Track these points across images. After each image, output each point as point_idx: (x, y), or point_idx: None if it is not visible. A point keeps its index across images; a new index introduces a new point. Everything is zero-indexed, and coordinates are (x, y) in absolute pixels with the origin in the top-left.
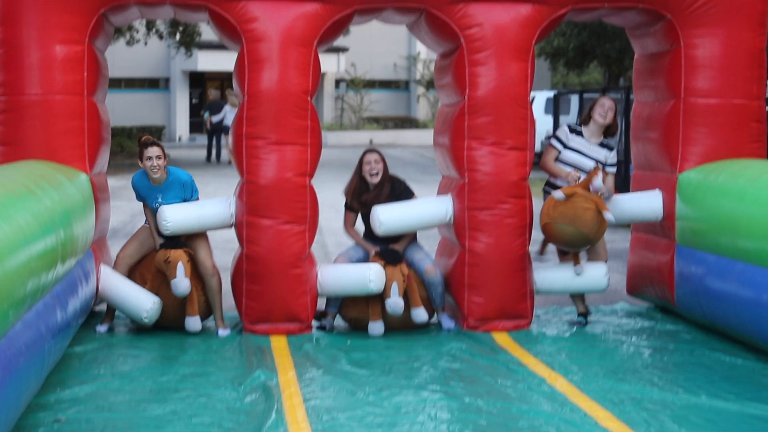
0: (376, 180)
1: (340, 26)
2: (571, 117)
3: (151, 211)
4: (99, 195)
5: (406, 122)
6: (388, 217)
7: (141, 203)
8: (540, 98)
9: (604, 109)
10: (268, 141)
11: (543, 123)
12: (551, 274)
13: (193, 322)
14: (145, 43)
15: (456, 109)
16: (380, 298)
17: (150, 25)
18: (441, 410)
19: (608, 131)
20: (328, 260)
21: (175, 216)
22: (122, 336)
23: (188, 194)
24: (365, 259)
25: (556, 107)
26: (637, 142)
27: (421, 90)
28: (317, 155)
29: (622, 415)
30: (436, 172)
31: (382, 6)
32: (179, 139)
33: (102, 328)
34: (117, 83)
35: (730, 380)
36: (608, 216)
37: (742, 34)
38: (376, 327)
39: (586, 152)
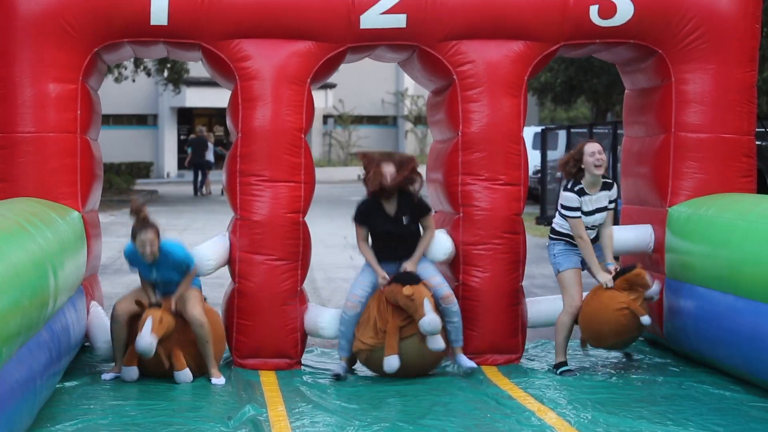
0: (390, 188)
1: (333, 64)
2: (558, 152)
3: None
4: (91, 232)
5: None
6: None
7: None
8: (528, 133)
9: (595, 156)
10: (262, 178)
11: (531, 158)
12: (544, 308)
13: (183, 376)
14: (133, 80)
15: (449, 145)
16: (395, 327)
17: (138, 62)
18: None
19: (605, 183)
20: (317, 296)
21: (213, 253)
22: None
23: (183, 269)
24: (374, 287)
25: (543, 142)
26: (627, 176)
27: (408, 125)
28: (311, 192)
29: None
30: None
31: (375, 44)
32: (167, 175)
33: (108, 377)
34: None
35: (719, 412)
36: (645, 320)
37: (732, 69)
38: (392, 362)
39: (594, 207)
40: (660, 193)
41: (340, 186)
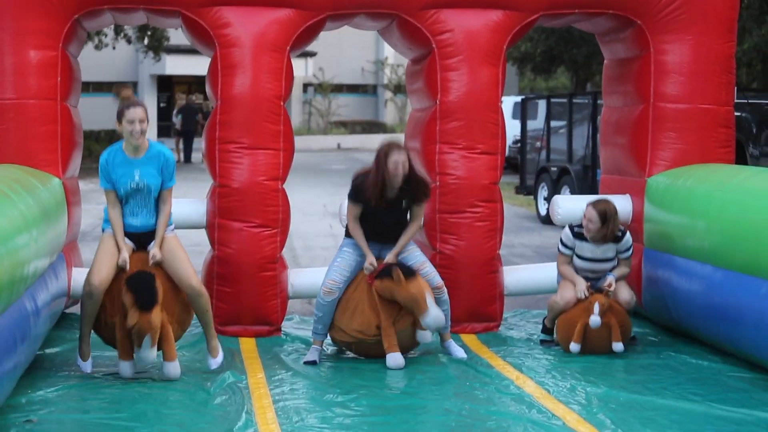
0: (399, 180)
1: (313, 32)
2: (538, 122)
3: (119, 209)
4: (71, 199)
5: (374, 126)
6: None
7: (105, 189)
8: (507, 103)
9: (584, 222)
10: (241, 145)
11: (510, 127)
12: (523, 276)
13: (173, 368)
14: (114, 48)
15: (427, 113)
16: (390, 324)
17: (118, 29)
18: (409, 412)
19: (614, 235)
20: (296, 263)
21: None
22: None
23: (169, 173)
24: (362, 263)
25: (523, 112)
26: (606, 146)
27: (388, 94)
28: (290, 159)
29: (589, 417)
30: None
31: (354, 12)
32: None
33: (86, 367)
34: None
35: (697, 382)
36: (617, 347)
37: (711, 40)
38: (396, 358)
39: (598, 257)
40: (639, 164)
41: (319, 154)
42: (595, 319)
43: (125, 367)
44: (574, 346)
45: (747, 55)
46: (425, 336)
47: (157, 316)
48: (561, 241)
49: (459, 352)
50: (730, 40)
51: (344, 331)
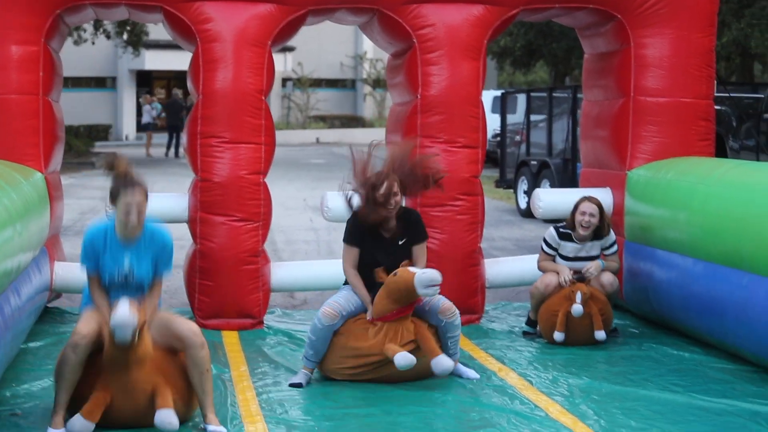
0: (391, 213)
1: (294, 26)
2: (518, 116)
3: (103, 292)
4: (54, 193)
5: (353, 121)
6: None
7: (87, 272)
8: (487, 97)
9: (585, 218)
10: (223, 140)
11: (490, 122)
12: (504, 268)
13: (167, 416)
14: (93, 43)
15: (408, 107)
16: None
17: (98, 25)
18: (392, 403)
19: (598, 234)
20: (278, 257)
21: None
22: None
23: (164, 260)
24: (363, 308)
25: (503, 106)
26: (587, 140)
27: (367, 89)
28: (271, 153)
29: (572, 408)
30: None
31: (335, 7)
32: (126, 137)
33: None
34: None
35: (678, 373)
36: (599, 336)
37: (691, 34)
38: (405, 356)
39: (582, 255)
40: (619, 157)
41: (298, 149)
42: (577, 308)
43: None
44: (557, 335)
45: (726, 48)
46: (442, 362)
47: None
48: (545, 241)
49: (470, 373)
50: (710, 33)
51: (339, 370)
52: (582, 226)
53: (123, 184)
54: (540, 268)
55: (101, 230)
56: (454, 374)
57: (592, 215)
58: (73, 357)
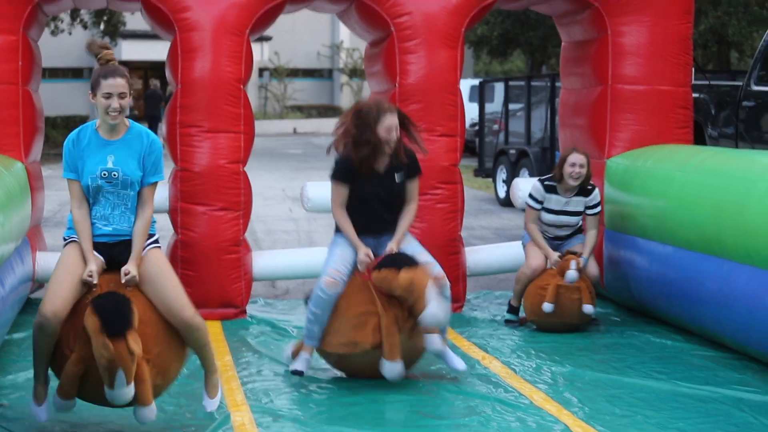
0: (392, 145)
1: (272, 15)
2: (496, 105)
3: (86, 208)
4: (34, 183)
5: (330, 110)
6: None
7: (69, 181)
8: (464, 86)
9: (576, 168)
10: (202, 129)
11: (468, 111)
12: (484, 256)
13: (147, 413)
14: (70, 33)
15: (386, 96)
16: (392, 323)
17: (74, 15)
18: (377, 392)
19: (584, 188)
20: (258, 246)
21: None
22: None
23: (152, 164)
24: (355, 262)
25: (481, 95)
26: (565, 128)
27: (344, 78)
28: (250, 142)
29: (556, 396)
30: None
31: None
32: None
33: (41, 414)
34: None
35: (661, 361)
36: (588, 309)
37: (668, 21)
38: (394, 368)
39: (565, 209)
40: (597, 145)
41: (275, 139)
42: (572, 273)
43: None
44: (547, 306)
45: (703, 36)
46: (433, 341)
47: (135, 342)
48: (530, 195)
49: (457, 363)
50: (688, 21)
51: (334, 340)
52: (572, 177)
53: (103, 72)
54: (528, 231)
55: (82, 130)
56: (441, 358)
57: (581, 165)
58: (41, 338)
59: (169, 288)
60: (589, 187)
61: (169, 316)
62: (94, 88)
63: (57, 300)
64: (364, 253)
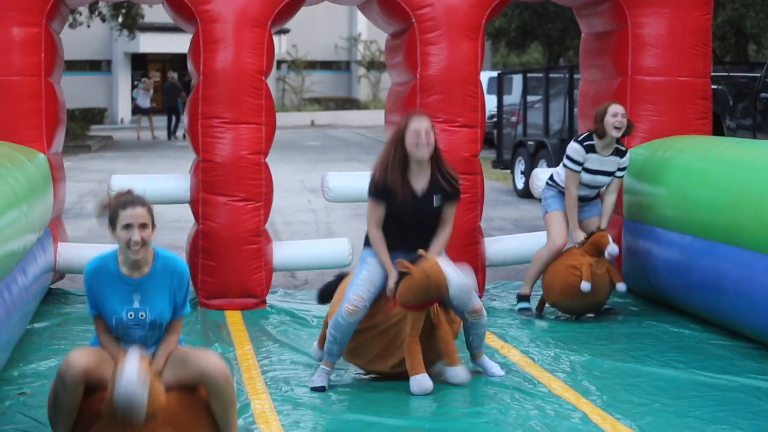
0: (424, 153)
1: (294, 7)
2: (514, 97)
3: (111, 336)
4: (56, 174)
5: (348, 103)
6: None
7: (96, 327)
8: (483, 78)
9: (618, 118)
10: (224, 120)
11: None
12: (504, 247)
13: None
14: (88, 26)
15: (407, 87)
16: (427, 339)
17: (93, 7)
18: (395, 381)
19: (618, 149)
20: (278, 237)
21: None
22: (80, 312)
23: (182, 297)
24: (383, 285)
25: (500, 87)
26: (585, 119)
27: (362, 71)
28: (272, 133)
29: (574, 384)
30: (378, 152)
31: None
32: (121, 121)
33: None
34: None
35: (679, 350)
36: (621, 287)
37: (688, 12)
38: (422, 382)
39: (600, 168)
40: None
41: (293, 131)
42: (614, 247)
43: None
44: (585, 285)
45: (720, 28)
46: (457, 374)
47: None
48: (569, 158)
49: (495, 369)
50: (707, 12)
51: (384, 366)
52: (615, 127)
53: (121, 202)
54: (569, 198)
55: (100, 265)
56: (478, 366)
57: (623, 115)
58: (62, 390)
59: (191, 352)
60: (623, 149)
61: (199, 373)
62: (112, 221)
63: (82, 361)
64: (394, 281)
